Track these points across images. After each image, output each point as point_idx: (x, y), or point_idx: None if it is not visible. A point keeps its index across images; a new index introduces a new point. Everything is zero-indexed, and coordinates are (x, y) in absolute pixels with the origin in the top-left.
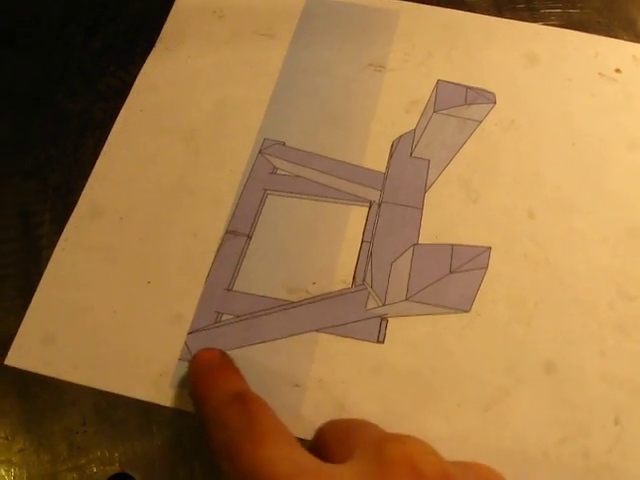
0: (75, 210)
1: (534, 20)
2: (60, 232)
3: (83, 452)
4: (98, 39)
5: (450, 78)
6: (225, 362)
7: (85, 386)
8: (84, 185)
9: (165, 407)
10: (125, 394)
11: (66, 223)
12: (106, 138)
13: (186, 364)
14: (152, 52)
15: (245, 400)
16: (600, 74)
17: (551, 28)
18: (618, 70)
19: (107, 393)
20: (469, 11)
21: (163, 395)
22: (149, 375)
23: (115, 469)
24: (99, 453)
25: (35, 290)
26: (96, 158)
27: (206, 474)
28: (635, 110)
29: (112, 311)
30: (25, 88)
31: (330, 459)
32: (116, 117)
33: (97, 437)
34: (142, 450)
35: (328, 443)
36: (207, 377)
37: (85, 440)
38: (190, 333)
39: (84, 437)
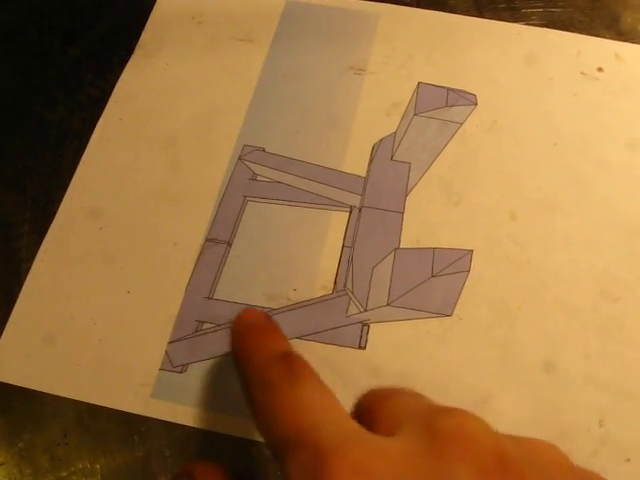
0: (54, 221)
1: (515, 20)
2: (40, 243)
3: (64, 464)
4: (76, 47)
5: (431, 80)
6: (270, 323)
7: (66, 398)
8: (63, 195)
9: (146, 418)
10: (106, 405)
11: (45, 234)
12: (85, 148)
13: (166, 374)
14: (131, 59)
15: (289, 361)
16: (582, 73)
17: (532, 28)
18: (600, 69)
19: (88, 405)
20: (450, 12)
21: (144, 405)
22: (130, 385)
23: None
24: (80, 465)
25: (15, 302)
26: (75, 168)
27: None
28: (617, 109)
29: (92, 322)
30: (3, 98)
31: (376, 429)
32: (95, 126)
33: (78, 449)
34: (123, 461)
35: (373, 412)
36: (251, 335)
37: (67, 452)
38: (171, 342)
39: (65, 449)
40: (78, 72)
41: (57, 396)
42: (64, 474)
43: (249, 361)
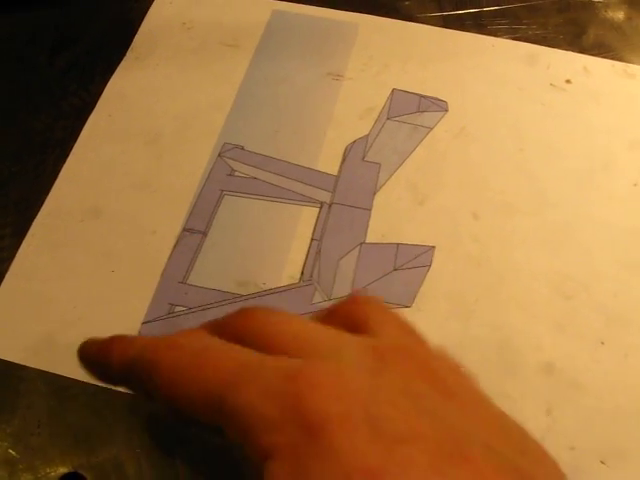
0: (42, 207)
1: None
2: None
3: (38, 453)
4: (62, 60)
5: (405, 87)
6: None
7: (40, 391)
8: (44, 200)
9: (116, 410)
10: (80, 379)
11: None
12: (67, 155)
13: None
14: (123, 61)
15: None
16: (551, 84)
17: (505, 40)
18: (569, 81)
19: (60, 397)
20: None
21: None
22: None
23: (68, 469)
24: (53, 454)
25: None
26: (56, 174)
27: (152, 471)
28: (583, 118)
29: (72, 302)
30: None
31: None
32: (77, 135)
33: (51, 439)
34: (94, 451)
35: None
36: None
37: (40, 442)
38: (144, 323)
39: (39, 439)
40: (62, 83)
41: (31, 389)
42: (37, 462)
43: None
